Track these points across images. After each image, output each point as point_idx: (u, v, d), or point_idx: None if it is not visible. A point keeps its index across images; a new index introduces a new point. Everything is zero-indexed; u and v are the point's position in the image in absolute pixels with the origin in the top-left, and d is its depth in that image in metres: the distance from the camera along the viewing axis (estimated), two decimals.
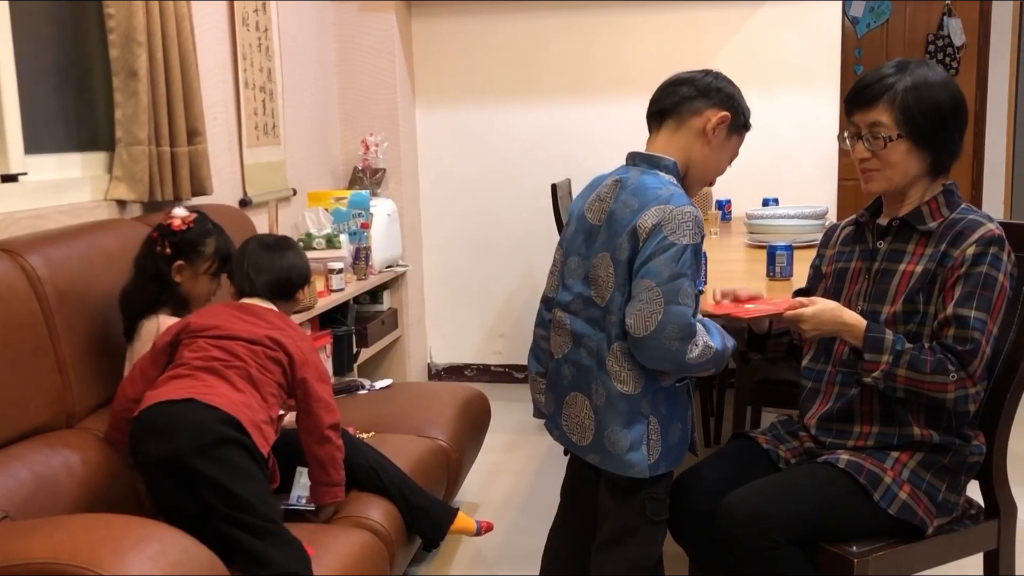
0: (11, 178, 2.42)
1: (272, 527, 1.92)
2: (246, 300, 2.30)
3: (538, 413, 2.20)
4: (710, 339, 1.88)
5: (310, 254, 3.73)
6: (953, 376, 1.90)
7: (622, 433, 1.91)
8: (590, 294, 1.95)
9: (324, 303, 3.51)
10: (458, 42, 4.74)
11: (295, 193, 4.00)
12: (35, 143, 2.56)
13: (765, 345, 2.26)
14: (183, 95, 2.87)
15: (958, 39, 6.11)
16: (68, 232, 2.39)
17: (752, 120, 2.10)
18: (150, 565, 1.54)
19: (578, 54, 4.66)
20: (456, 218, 4.87)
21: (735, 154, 2.07)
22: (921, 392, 1.93)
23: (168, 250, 2.34)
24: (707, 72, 2.05)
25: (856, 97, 2.03)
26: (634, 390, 1.90)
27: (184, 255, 2.34)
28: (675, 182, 1.94)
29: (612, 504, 2.00)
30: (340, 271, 3.65)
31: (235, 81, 3.49)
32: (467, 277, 4.92)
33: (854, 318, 1.98)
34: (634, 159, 2.02)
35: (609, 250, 1.91)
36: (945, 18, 6.11)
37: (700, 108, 2.00)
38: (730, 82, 2.04)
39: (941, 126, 1.98)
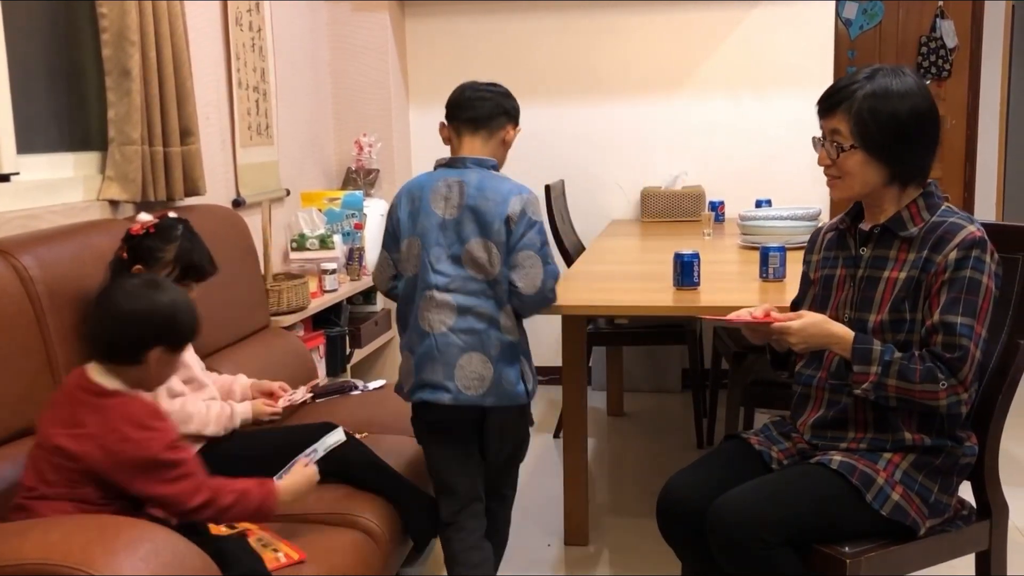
0: (3, 178, 2.41)
1: None
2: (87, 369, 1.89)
3: (401, 389, 2.47)
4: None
5: (303, 255, 3.74)
6: (943, 384, 1.90)
7: (510, 372, 2.37)
8: (470, 273, 2.34)
9: (317, 304, 3.50)
10: (452, 42, 4.74)
11: (288, 193, 3.99)
12: (27, 143, 2.56)
13: (788, 363, 2.25)
14: (176, 95, 2.87)
15: (951, 41, 6.13)
16: (60, 232, 2.39)
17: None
18: (142, 566, 1.54)
19: (571, 55, 4.67)
20: None
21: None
22: (913, 400, 1.93)
23: (125, 254, 2.26)
24: (504, 92, 2.53)
25: (821, 103, 2.03)
26: (516, 338, 2.39)
27: (142, 260, 2.24)
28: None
29: (509, 432, 2.48)
30: (333, 272, 3.65)
31: (228, 81, 3.49)
32: None
33: (842, 330, 1.98)
34: (464, 162, 2.42)
35: (488, 236, 2.33)
36: (938, 20, 6.13)
37: (504, 123, 2.48)
38: (513, 96, 2.54)
39: (898, 139, 1.95)
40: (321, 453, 2.18)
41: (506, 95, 2.51)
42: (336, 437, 2.25)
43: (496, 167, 2.47)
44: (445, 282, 2.34)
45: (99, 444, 1.76)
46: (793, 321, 1.98)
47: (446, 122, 2.49)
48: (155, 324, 1.85)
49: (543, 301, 2.39)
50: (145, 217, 2.31)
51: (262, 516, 1.94)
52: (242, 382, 2.56)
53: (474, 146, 2.44)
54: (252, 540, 2.08)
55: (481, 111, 2.44)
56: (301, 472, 2.05)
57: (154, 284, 1.92)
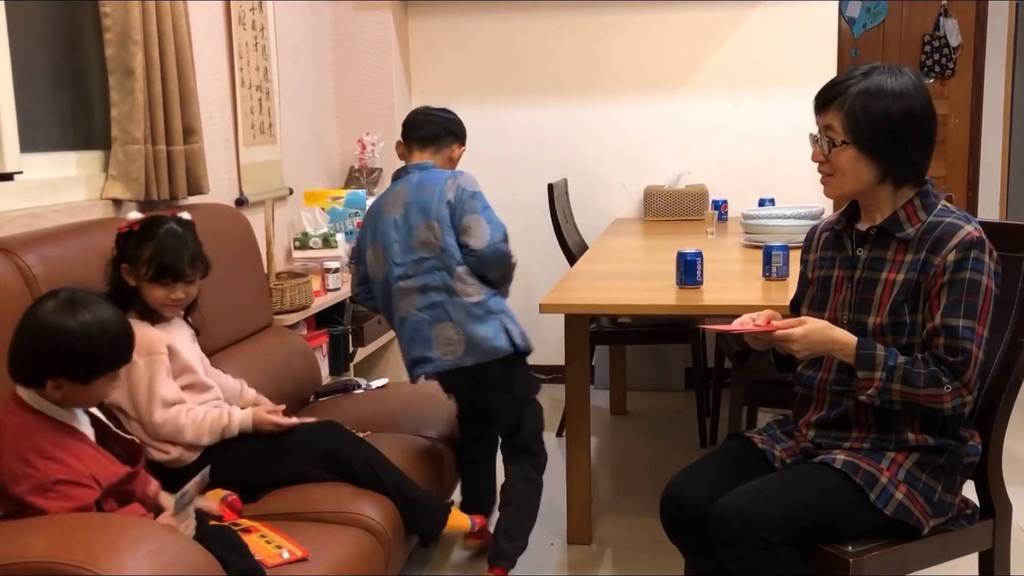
0: (7, 177, 2.42)
1: None
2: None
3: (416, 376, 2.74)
4: None
5: (306, 253, 3.74)
6: (948, 387, 1.90)
7: (482, 329, 2.61)
8: (420, 255, 2.63)
9: (320, 303, 3.51)
10: (455, 41, 4.74)
11: (291, 192, 4.00)
12: (31, 142, 2.56)
13: (793, 365, 2.24)
14: (179, 94, 2.87)
15: (954, 39, 6.12)
16: (64, 231, 2.39)
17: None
18: (146, 564, 1.54)
19: (575, 54, 4.66)
20: None
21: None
22: (918, 404, 1.93)
23: (115, 252, 2.28)
24: (452, 117, 2.85)
25: (817, 99, 2.03)
26: (481, 296, 2.63)
27: (127, 258, 2.25)
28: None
29: (495, 383, 2.70)
30: (336, 270, 3.65)
31: (231, 80, 3.49)
32: None
33: (844, 336, 1.97)
34: (408, 170, 2.74)
35: (428, 217, 2.63)
36: (941, 18, 6.12)
37: (451, 142, 2.81)
38: (460, 121, 2.86)
39: (888, 137, 1.94)
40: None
41: (454, 120, 2.84)
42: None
43: (435, 167, 2.76)
44: (403, 271, 2.65)
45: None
46: (795, 328, 1.97)
47: (401, 140, 2.81)
48: (52, 352, 1.75)
49: (497, 253, 2.65)
50: (135, 215, 2.31)
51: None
52: (247, 397, 2.59)
53: (423, 160, 2.76)
54: (255, 536, 2.08)
55: (430, 131, 2.77)
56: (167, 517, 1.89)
57: (71, 305, 1.78)
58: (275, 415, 2.41)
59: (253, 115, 3.64)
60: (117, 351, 1.83)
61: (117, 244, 2.28)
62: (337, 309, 3.72)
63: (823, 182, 2.06)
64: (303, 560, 2.04)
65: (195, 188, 2.97)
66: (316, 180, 4.35)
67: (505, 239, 2.68)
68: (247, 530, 2.12)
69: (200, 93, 3.02)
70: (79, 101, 2.82)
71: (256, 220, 3.48)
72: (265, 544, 2.06)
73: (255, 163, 3.65)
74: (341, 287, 3.68)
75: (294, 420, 2.44)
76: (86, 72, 2.83)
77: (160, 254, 2.25)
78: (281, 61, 3.93)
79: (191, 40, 2.96)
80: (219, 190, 3.30)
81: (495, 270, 2.69)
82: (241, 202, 3.49)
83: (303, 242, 3.77)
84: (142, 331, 2.19)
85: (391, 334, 4.34)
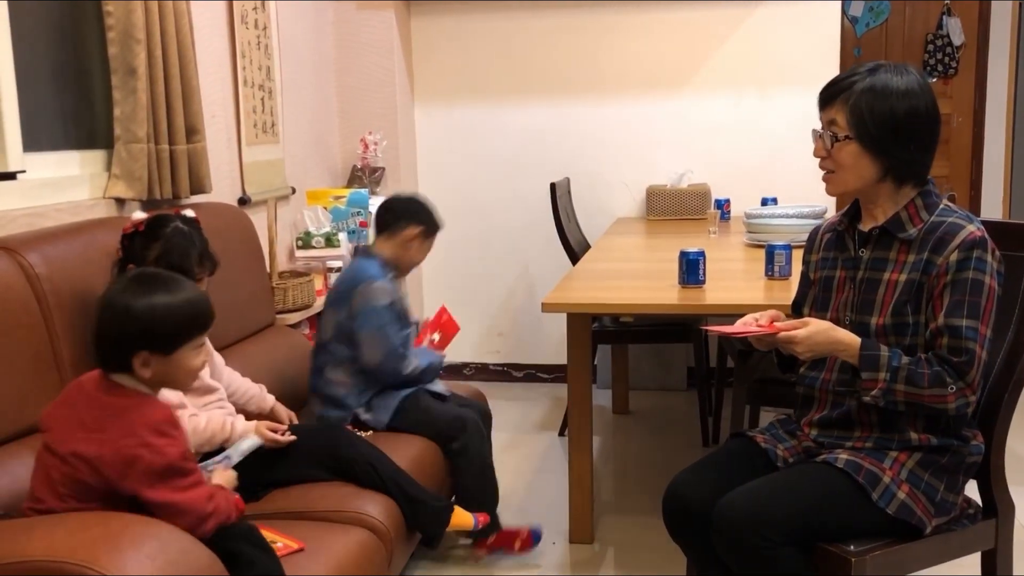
0: (9, 176, 2.42)
1: None
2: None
3: None
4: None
5: (309, 252, 3.74)
6: (952, 388, 1.89)
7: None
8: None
9: (323, 302, 3.50)
10: (457, 41, 4.74)
11: (294, 191, 4.00)
12: (33, 141, 2.56)
13: (795, 365, 2.24)
14: (182, 93, 2.87)
15: (957, 39, 6.11)
16: (66, 230, 2.39)
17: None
18: (148, 563, 1.54)
19: (577, 53, 4.66)
20: (454, 217, 4.85)
21: (429, 249, 3.00)
22: (922, 404, 1.93)
23: (120, 253, 2.26)
24: (414, 205, 2.96)
25: (821, 94, 2.03)
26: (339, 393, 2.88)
27: (133, 259, 2.23)
28: (380, 265, 2.88)
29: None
30: (339, 270, 3.65)
31: (234, 79, 3.49)
32: (465, 276, 4.92)
33: (848, 337, 1.96)
34: (355, 252, 3.01)
35: (333, 306, 2.89)
36: (944, 17, 6.12)
37: (404, 226, 2.92)
38: (423, 203, 2.98)
39: (892, 134, 1.94)
40: (236, 459, 2.19)
41: (410, 203, 2.98)
42: (250, 443, 2.25)
43: (379, 257, 2.91)
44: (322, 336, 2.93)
45: (116, 448, 1.71)
46: (799, 330, 1.96)
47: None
48: (132, 328, 1.77)
49: (387, 374, 2.84)
50: (139, 215, 2.30)
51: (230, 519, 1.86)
52: (267, 403, 2.63)
53: (379, 244, 2.95)
54: None
55: (383, 219, 2.95)
56: (222, 475, 2.05)
57: (141, 282, 1.82)
58: (277, 433, 2.37)
59: (256, 114, 3.64)
60: (196, 317, 1.83)
61: (122, 245, 2.27)
62: None
63: (825, 179, 2.06)
64: (300, 551, 2.04)
65: (198, 187, 2.97)
66: (318, 179, 4.35)
67: (394, 357, 2.82)
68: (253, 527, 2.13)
69: (203, 92, 3.02)
70: (82, 100, 2.83)
71: (259, 219, 3.49)
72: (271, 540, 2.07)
73: (258, 162, 3.65)
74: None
75: (291, 438, 2.39)
76: (89, 71, 2.83)
77: (167, 254, 2.23)
78: (284, 60, 3.93)
79: (194, 39, 2.96)
80: (222, 189, 3.30)
81: (388, 379, 2.86)
82: (244, 201, 3.49)
83: (305, 241, 3.77)
84: None
85: None
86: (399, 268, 2.96)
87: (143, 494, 1.72)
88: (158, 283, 1.81)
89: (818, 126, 2.06)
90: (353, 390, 2.85)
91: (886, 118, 1.93)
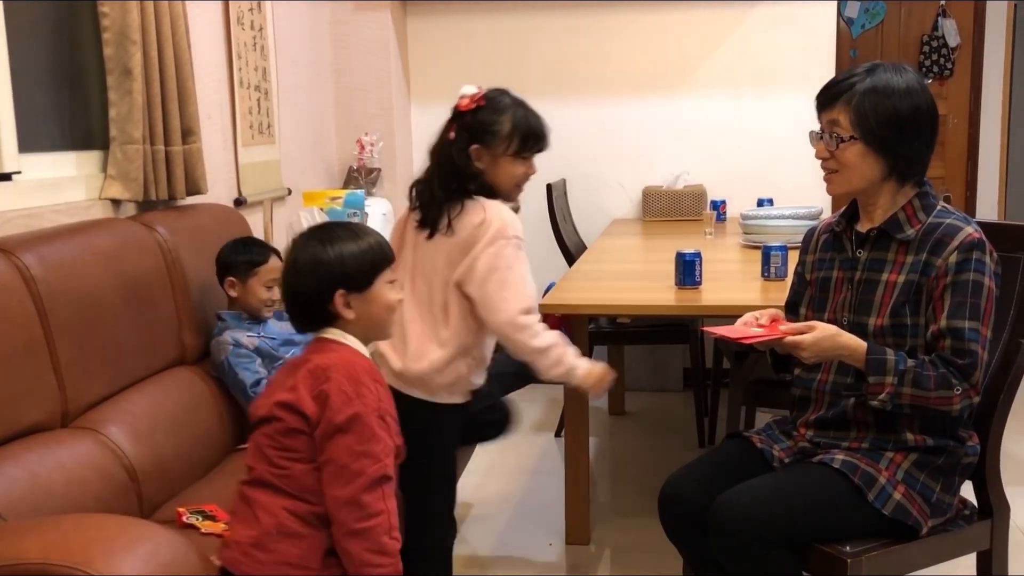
0: (5, 177, 2.41)
1: None
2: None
3: None
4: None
5: None
6: (957, 389, 1.90)
7: None
8: None
9: None
10: (453, 41, 4.74)
11: (290, 193, 3.99)
12: (29, 142, 2.55)
13: (789, 365, 2.24)
14: (178, 94, 2.87)
15: (952, 40, 6.12)
16: (62, 231, 2.39)
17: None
18: (142, 566, 1.54)
19: (573, 54, 4.66)
20: None
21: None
22: (927, 407, 1.93)
23: (453, 134, 2.14)
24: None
25: (820, 95, 2.03)
26: None
27: (477, 138, 2.11)
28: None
29: None
30: None
31: (230, 80, 3.48)
32: None
33: (853, 341, 1.96)
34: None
35: None
36: (940, 19, 6.13)
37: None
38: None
39: (897, 134, 1.95)
40: None
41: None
42: None
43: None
44: None
45: (311, 391, 1.72)
46: (805, 335, 1.95)
47: None
48: (326, 273, 1.80)
49: None
50: (470, 89, 2.18)
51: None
52: None
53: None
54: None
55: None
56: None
57: (318, 235, 1.85)
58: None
59: (252, 115, 3.64)
60: (381, 251, 1.86)
61: (459, 124, 2.15)
62: None
63: (827, 179, 2.06)
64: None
65: (193, 188, 2.96)
66: (315, 180, 4.35)
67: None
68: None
69: (198, 93, 3.02)
70: (77, 101, 2.82)
71: (255, 220, 3.48)
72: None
73: (253, 163, 3.65)
74: None
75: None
76: (84, 72, 2.83)
77: (523, 121, 2.14)
78: (280, 61, 3.93)
79: (189, 40, 2.95)
80: (217, 190, 3.30)
81: None
82: (240, 202, 3.49)
83: None
84: (501, 211, 2.14)
85: None
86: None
87: (330, 449, 1.70)
88: (337, 232, 1.85)
89: (815, 127, 2.06)
90: None
91: (890, 117, 1.94)
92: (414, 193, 2.26)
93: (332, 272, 1.80)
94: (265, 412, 1.77)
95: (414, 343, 2.20)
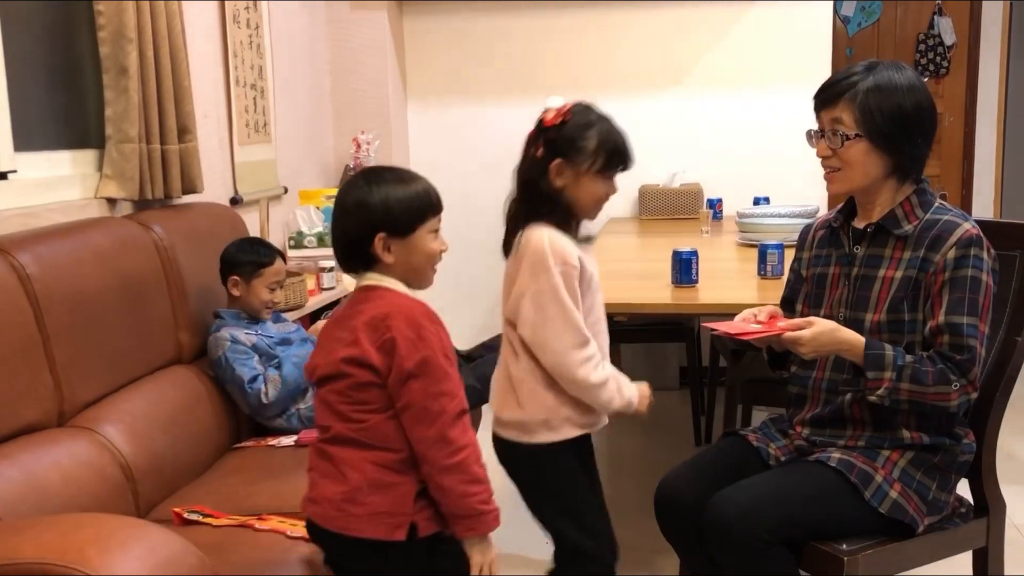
0: (1, 176, 2.41)
1: None
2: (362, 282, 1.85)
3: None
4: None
5: (301, 252, 3.74)
6: (955, 385, 1.90)
7: None
8: None
9: (315, 301, 3.50)
10: (450, 41, 4.73)
11: (286, 191, 3.99)
12: (25, 140, 2.55)
13: (785, 362, 2.24)
14: (174, 93, 2.86)
15: (949, 38, 6.13)
16: (58, 230, 2.38)
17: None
18: (138, 565, 1.53)
19: (570, 53, 4.66)
20: (447, 216, 4.80)
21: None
22: (925, 403, 1.93)
23: (540, 151, 2.01)
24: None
25: (821, 94, 2.03)
26: None
27: (561, 153, 1.99)
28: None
29: None
30: (331, 269, 3.64)
31: (226, 79, 3.48)
32: (458, 275, 4.90)
33: (852, 336, 1.96)
34: None
35: None
36: (936, 17, 6.13)
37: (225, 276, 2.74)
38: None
39: (901, 130, 1.96)
40: None
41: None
42: None
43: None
44: None
45: (375, 343, 1.72)
46: (804, 330, 1.95)
47: None
48: (368, 215, 1.78)
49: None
50: (556, 101, 2.06)
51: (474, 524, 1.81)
52: None
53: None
54: (275, 521, 2.11)
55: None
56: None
57: (365, 178, 1.85)
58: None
59: (248, 114, 3.63)
60: (426, 198, 1.85)
61: (544, 139, 2.02)
62: (332, 308, 3.71)
63: (829, 178, 2.05)
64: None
65: (189, 187, 2.96)
66: (311, 179, 4.34)
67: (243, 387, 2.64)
68: (260, 516, 2.15)
69: (194, 92, 3.02)
70: (73, 100, 2.82)
71: (251, 219, 3.48)
72: (292, 525, 2.09)
73: (250, 162, 3.64)
74: (336, 286, 3.68)
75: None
76: (80, 71, 2.82)
77: (610, 137, 2.01)
78: (276, 60, 3.93)
79: (185, 39, 2.95)
80: (213, 189, 3.29)
81: None
82: (236, 201, 3.48)
83: (298, 241, 3.77)
84: (549, 236, 1.97)
85: None
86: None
87: (394, 393, 1.72)
88: (385, 175, 1.85)
89: (812, 126, 2.06)
90: None
91: (895, 114, 1.94)
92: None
93: (374, 215, 1.78)
94: (330, 370, 1.76)
95: (496, 385, 2.11)
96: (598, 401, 2.03)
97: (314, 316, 3.57)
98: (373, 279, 1.81)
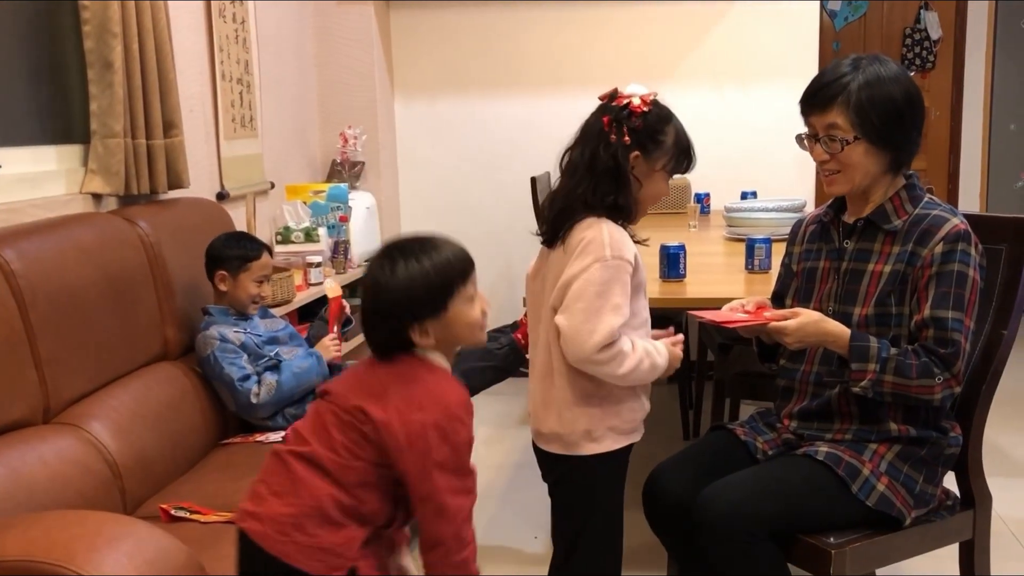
0: None
1: None
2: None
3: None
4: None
5: (288, 247, 3.73)
6: (939, 378, 1.90)
7: None
8: None
9: (302, 297, 3.49)
10: (437, 34, 4.72)
11: (273, 186, 3.98)
12: (9, 136, 2.54)
13: (775, 355, 2.24)
14: (159, 87, 2.85)
15: (935, 32, 6.14)
16: (43, 226, 2.37)
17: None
18: (125, 562, 1.53)
19: (557, 47, 4.66)
20: (435, 211, 4.85)
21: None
22: (909, 396, 1.94)
23: (627, 138, 1.89)
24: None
25: (811, 100, 2.02)
26: None
27: (641, 145, 1.90)
28: None
29: None
30: (319, 265, 3.63)
31: (212, 73, 3.46)
32: None
33: (837, 328, 1.97)
34: None
35: None
36: (922, 11, 6.15)
37: (211, 272, 2.75)
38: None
39: (897, 123, 1.96)
40: None
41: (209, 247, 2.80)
42: None
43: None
44: None
45: (403, 421, 1.60)
46: (789, 321, 1.96)
47: None
48: (392, 305, 1.66)
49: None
50: (640, 88, 1.95)
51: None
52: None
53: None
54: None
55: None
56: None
57: (388, 257, 1.68)
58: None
59: (234, 108, 3.62)
60: (452, 268, 1.68)
61: (628, 127, 1.91)
62: (319, 303, 3.70)
63: (829, 180, 2.05)
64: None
65: (175, 182, 2.95)
66: (298, 174, 4.33)
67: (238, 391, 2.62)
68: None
69: (180, 86, 3.00)
70: (58, 95, 2.80)
71: (237, 214, 3.47)
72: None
73: (236, 157, 3.63)
74: (323, 281, 3.67)
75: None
76: (65, 65, 2.80)
77: (684, 137, 1.96)
78: (262, 54, 3.91)
79: (171, 33, 2.93)
80: (200, 184, 3.28)
81: None
82: (222, 196, 3.47)
83: (285, 236, 3.75)
84: (608, 228, 1.90)
85: None
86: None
87: (418, 483, 1.61)
88: (406, 250, 1.69)
89: (801, 128, 2.06)
90: None
91: (889, 108, 1.95)
92: (544, 208, 2.05)
93: (399, 303, 1.65)
94: (345, 405, 1.65)
95: (534, 395, 2.03)
96: (634, 382, 1.97)
97: (301, 312, 3.56)
98: (420, 353, 1.69)
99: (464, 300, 1.70)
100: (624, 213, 1.94)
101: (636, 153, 1.91)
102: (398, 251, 1.69)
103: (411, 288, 1.65)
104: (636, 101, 1.91)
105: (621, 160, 1.89)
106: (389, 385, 1.64)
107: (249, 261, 2.74)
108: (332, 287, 3.12)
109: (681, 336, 2.06)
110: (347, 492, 1.63)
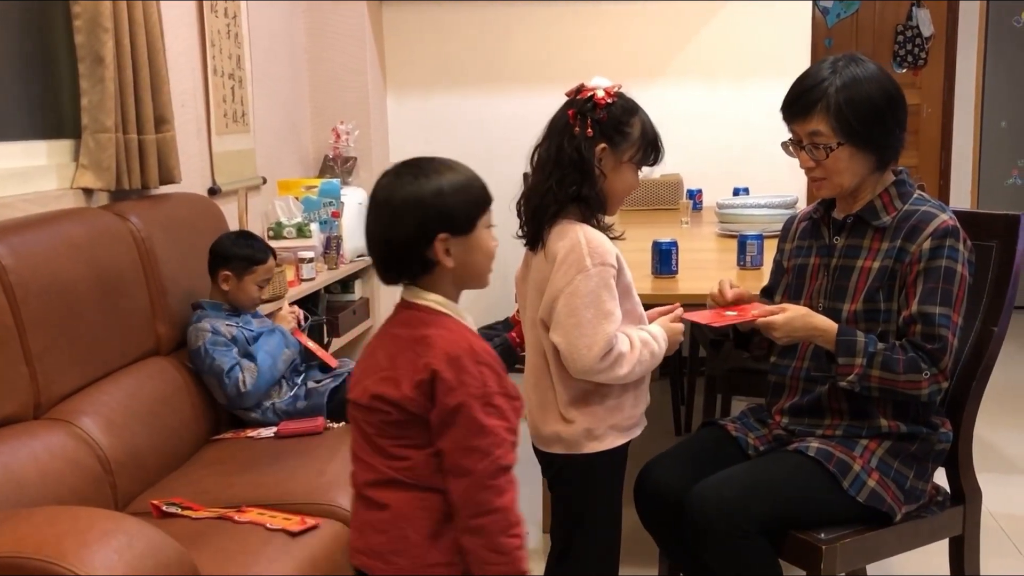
0: None
1: None
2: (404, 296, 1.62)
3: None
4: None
5: (280, 243, 3.72)
6: (926, 374, 1.91)
7: None
8: None
9: (295, 292, 3.48)
10: (429, 30, 4.72)
11: (265, 182, 3.97)
12: None
13: (750, 343, 2.25)
14: (150, 82, 2.84)
15: (927, 29, 6.16)
16: (33, 221, 2.36)
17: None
18: (116, 558, 1.53)
19: (550, 44, 4.65)
20: None
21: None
22: (896, 391, 1.94)
23: (589, 131, 1.86)
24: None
25: (791, 107, 2.01)
26: None
27: (607, 137, 1.89)
28: None
29: None
30: (311, 260, 3.63)
31: (203, 68, 3.45)
32: None
33: (825, 323, 1.97)
34: None
35: None
36: (914, 8, 6.16)
37: (215, 271, 2.76)
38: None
39: (878, 122, 1.96)
40: None
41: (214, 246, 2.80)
42: None
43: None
44: None
45: (416, 383, 1.50)
46: (777, 315, 1.97)
47: None
48: (427, 212, 1.52)
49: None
50: (604, 81, 1.94)
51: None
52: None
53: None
54: (254, 514, 2.10)
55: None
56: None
57: (412, 172, 1.57)
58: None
59: (226, 103, 3.61)
60: (481, 190, 1.60)
61: (592, 119, 1.90)
62: (312, 299, 3.70)
63: (816, 186, 2.05)
64: (316, 528, 2.08)
65: (167, 177, 2.94)
66: (290, 169, 4.32)
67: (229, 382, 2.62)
68: (240, 508, 2.14)
69: (172, 81, 2.99)
70: (49, 89, 2.79)
71: (229, 209, 3.46)
72: (271, 517, 2.09)
73: (228, 152, 3.62)
74: (315, 277, 3.66)
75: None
76: (56, 60, 2.79)
77: (650, 128, 1.93)
78: (254, 49, 3.90)
79: (162, 27, 2.92)
80: (191, 179, 3.27)
81: None
82: (214, 191, 3.46)
83: (277, 232, 3.74)
84: (588, 234, 1.88)
85: (366, 324, 4.33)
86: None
87: (441, 437, 1.51)
88: (434, 164, 1.59)
89: (787, 137, 2.06)
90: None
91: (868, 108, 1.94)
92: (520, 208, 2.04)
93: (430, 212, 1.52)
94: (363, 400, 1.56)
95: (530, 398, 2.02)
96: (634, 379, 1.96)
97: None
98: (418, 296, 1.58)
99: (486, 225, 1.61)
100: (593, 205, 1.93)
101: (603, 145, 1.91)
102: (423, 164, 1.58)
103: (445, 197, 1.54)
104: (600, 93, 1.91)
105: (585, 152, 1.89)
106: (395, 358, 1.55)
107: (255, 264, 2.74)
108: (287, 318, 2.99)
109: (681, 310, 2.06)
110: (429, 490, 1.54)
